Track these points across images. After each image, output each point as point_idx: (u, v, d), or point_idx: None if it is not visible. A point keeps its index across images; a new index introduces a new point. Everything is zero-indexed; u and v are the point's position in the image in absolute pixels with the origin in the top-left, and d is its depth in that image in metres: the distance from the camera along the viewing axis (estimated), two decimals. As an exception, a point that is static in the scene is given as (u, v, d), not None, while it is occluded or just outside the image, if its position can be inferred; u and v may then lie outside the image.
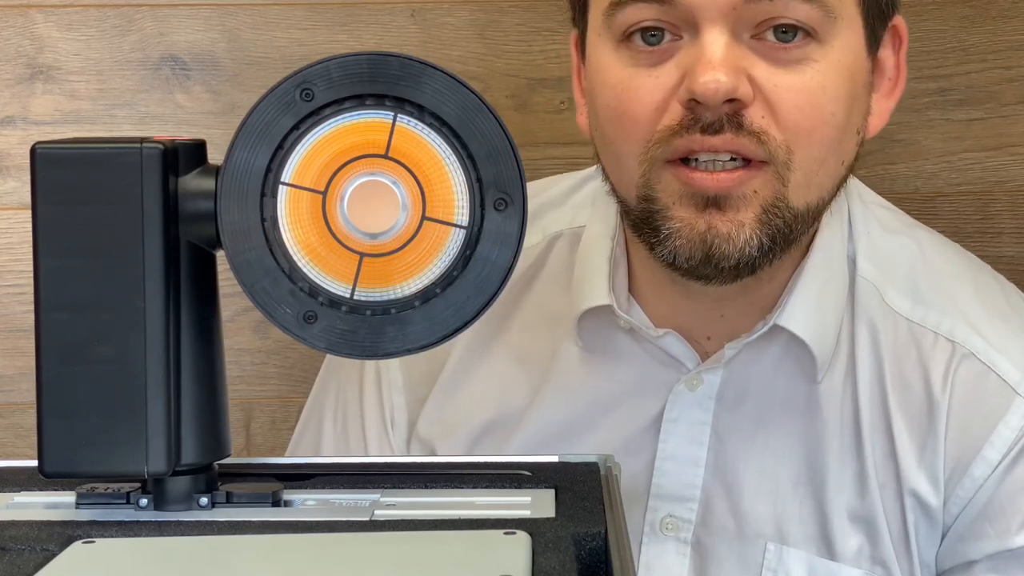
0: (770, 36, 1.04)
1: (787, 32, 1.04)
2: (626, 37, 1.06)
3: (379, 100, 0.76)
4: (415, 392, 1.24)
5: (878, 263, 1.17)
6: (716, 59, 1.02)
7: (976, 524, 1.13)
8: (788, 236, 1.08)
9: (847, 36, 1.06)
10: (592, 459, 0.89)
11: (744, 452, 1.15)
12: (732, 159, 1.04)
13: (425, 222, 0.76)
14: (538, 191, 1.27)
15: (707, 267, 1.06)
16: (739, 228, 1.05)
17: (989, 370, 1.13)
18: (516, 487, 0.84)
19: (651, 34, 1.05)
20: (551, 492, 0.83)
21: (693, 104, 1.03)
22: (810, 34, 1.04)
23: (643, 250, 1.12)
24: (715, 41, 1.03)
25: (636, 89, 1.06)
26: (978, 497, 1.12)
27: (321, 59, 0.76)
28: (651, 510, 1.16)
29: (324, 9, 1.55)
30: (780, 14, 1.03)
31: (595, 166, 1.20)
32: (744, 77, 1.03)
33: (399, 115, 0.76)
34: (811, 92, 1.05)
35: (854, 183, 1.21)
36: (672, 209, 1.06)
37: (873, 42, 1.09)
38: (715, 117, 1.03)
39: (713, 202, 1.05)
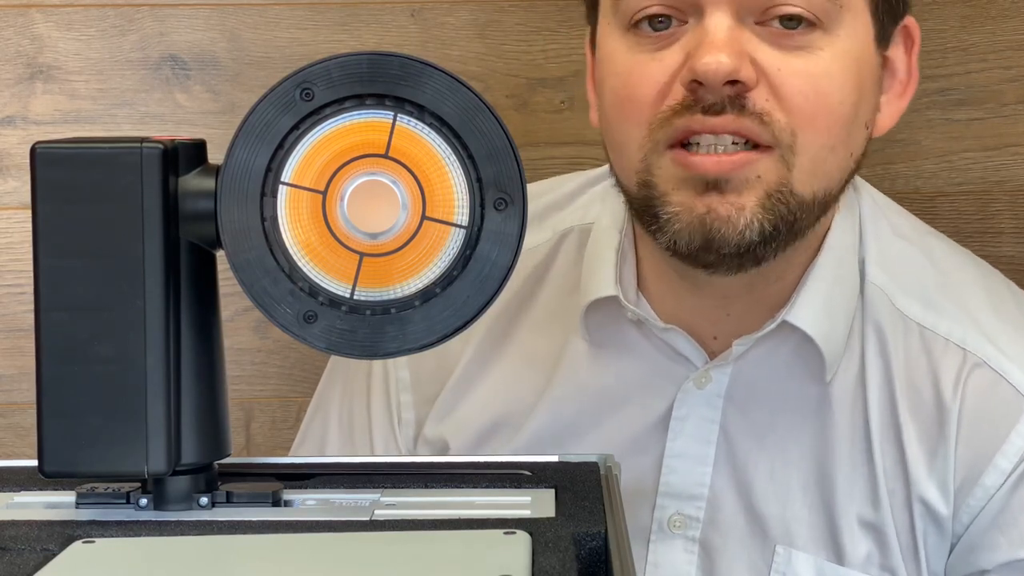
0: (775, 24, 1.04)
1: (792, 20, 1.04)
2: (634, 25, 1.06)
3: (379, 100, 0.76)
4: (423, 390, 1.23)
5: (888, 268, 1.16)
6: (719, 40, 1.02)
7: (988, 533, 1.12)
8: (793, 225, 1.07)
9: (854, 27, 1.06)
10: (592, 459, 0.89)
11: (754, 452, 1.15)
12: (735, 143, 1.04)
13: (425, 222, 0.76)
14: (544, 191, 1.26)
15: (708, 253, 1.05)
16: (739, 211, 1.04)
17: (1001, 378, 1.12)
18: (516, 487, 0.84)
19: (659, 20, 1.05)
20: (551, 492, 0.82)
21: (695, 86, 1.03)
22: (814, 24, 1.04)
23: (650, 244, 1.12)
24: (719, 23, 1.03)
25: (640, 74, 1.05)
26: (990, 506, 1.12)
27: (321, 59, 0.76)
28: (659, 508, 1.16)
29: (324, 9, 1.55)
30: (784, 1, 1.03)
31: (606, 165, 1.19)
32: (747, 60, 1.03)
33: (399, 115, 0.76)
34: (815, 77, 1.04)
35: (866, 186, 1.20)
36: (671, 195, 1.05)
37: (883, 37, 1.09)
38: (717, 98, 1.03)
39: (713, 185, 1.04)
